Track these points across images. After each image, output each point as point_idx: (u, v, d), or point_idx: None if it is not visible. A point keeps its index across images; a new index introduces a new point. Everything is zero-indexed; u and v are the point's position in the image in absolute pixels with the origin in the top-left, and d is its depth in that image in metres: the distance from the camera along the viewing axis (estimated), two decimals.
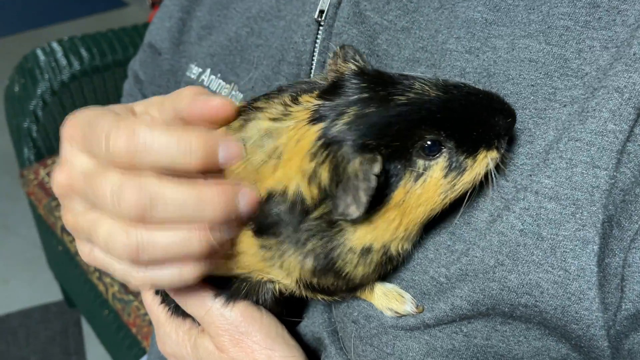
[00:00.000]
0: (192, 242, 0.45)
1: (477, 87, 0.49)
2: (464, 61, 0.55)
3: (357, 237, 0.49)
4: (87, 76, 1.93)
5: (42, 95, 1.87)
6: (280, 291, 0.59)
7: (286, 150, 0.46)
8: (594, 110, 0.48)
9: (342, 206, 0.45)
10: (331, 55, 0.51)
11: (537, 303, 0.49)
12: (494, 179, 0.49)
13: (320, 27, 0.65)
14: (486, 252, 0.50)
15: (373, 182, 0.44)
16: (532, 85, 0.52)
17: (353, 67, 0.49)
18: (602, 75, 0.49)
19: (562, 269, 0.47)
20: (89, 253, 0.49)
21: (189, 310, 0.59)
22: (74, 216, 0.49)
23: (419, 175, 0.47)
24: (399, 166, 0.47)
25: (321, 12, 0.65)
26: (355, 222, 0.48)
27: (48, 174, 1.89)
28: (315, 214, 0.48)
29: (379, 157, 0.44)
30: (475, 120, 0.47)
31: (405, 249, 0.52)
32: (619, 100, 0.47)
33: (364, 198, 0.44)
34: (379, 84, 0.47)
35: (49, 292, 2.47)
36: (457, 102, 0.47)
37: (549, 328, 0.50)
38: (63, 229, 1.77)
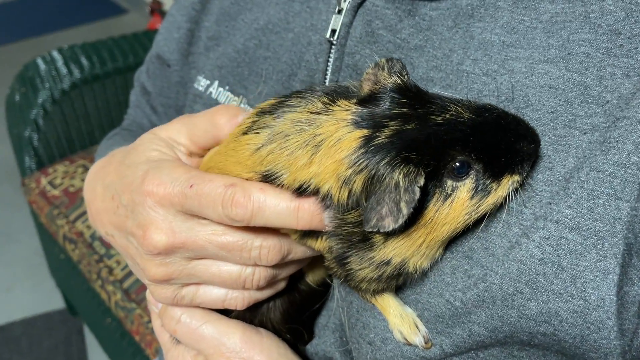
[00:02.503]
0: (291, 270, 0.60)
1: (506, 110, 0.49)
2: (481, 84, 0.55)
3: (383, 253, 0.50)
4: (88, 84, 1.93)
5: (42, 104, 1.87)
6: (287, 311, 0.59)
7: (325, 144, 0.47)
8: (617, 141, 0.48)
9: (375, 218, 0.45)
10: (372, 65, 0.51)
11: (556, 332, 0.49)
12: (512, 202, 0.50)
13: (333, 47, 0.65)
14: (504, 280, 0.50)
15: (417, 194, 0.44)
16: (552, 112, 0.51)
17: (398, 80, 0.49)
18: (623, 104, 0.49)
19: (582, 299, 0.47)
20: (174, 295, 0.58)
21: (189, 347, 0.61)
22: (170, 267, 0.55)
23: (447, 196, 0.48)
24: (430, 185, 0.47)
25: (333, 31, 0.64)
26: (389, 235, 0.48)
27: (49, 183, 1.89)
28: (348, 218, 0.48)
29: (422, 172, 0.45)
30: (503, 145, 0.47)
31: (423, 267, 0.52)
32: None
33: (405, 210, 0.44)
34: (418, 101, 0.47)
35: (51, 300, 2.47)
36: (488, 126, 0.47)
37: (567, 356, 0.50)
38: (65, 237, 1.77)
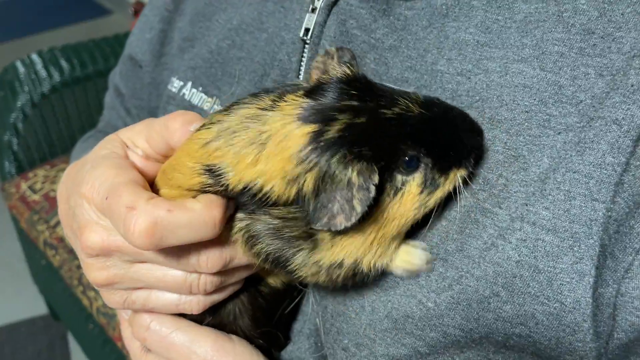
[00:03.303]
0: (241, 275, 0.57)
1: (450, 104, 0.49)
2: (455, 83, 0.54)
3: (331, 253, 0.48)
4: (68, 87, 1.91)
5: (22, 107, 1.84)
6: (255, 315, 0.58)
7: (271, 141, 0.45)
8: (592, 142, 0.48)
9: (327, 217, 0.43)
10: (322, 51, 0.50)
11: (531, 334, 0.48)
12: (461, 195, 0.50)
13: (306, 46, 0.64)
14: (480, 282, 0.50)
15: (372, 192, 0.43)
16: (526, 112, 0.51)
17: (347, 71, 0.48)
18: (597, 103, 0.48)
19: (558, 302, 0.47)
20: (124, 300, 0.55)
21: (159, 355, 0.59)
22: (111, 270, 0.52)
23: (397, 190, 0.47)
24: (381, 180, 0.46)
25: (307, 30, 0.64)
26: (338, 234, 0.47)
27: (29, 188, 1.87)
28: (275, 212, 0.47)
29: (376, 169, 0.44)
30: (451, 139, 0.47)
31: (377, 266, 0.51)
32: (618, 132, 0.47)
33: (359, 208, 0.43)
34: (367, 93, 0.46)
35: (35, 306, 2.44)
36: (437, 121, 0.47)
37: (543, 358, 0.50)
38: (45, 242, 1.75)
